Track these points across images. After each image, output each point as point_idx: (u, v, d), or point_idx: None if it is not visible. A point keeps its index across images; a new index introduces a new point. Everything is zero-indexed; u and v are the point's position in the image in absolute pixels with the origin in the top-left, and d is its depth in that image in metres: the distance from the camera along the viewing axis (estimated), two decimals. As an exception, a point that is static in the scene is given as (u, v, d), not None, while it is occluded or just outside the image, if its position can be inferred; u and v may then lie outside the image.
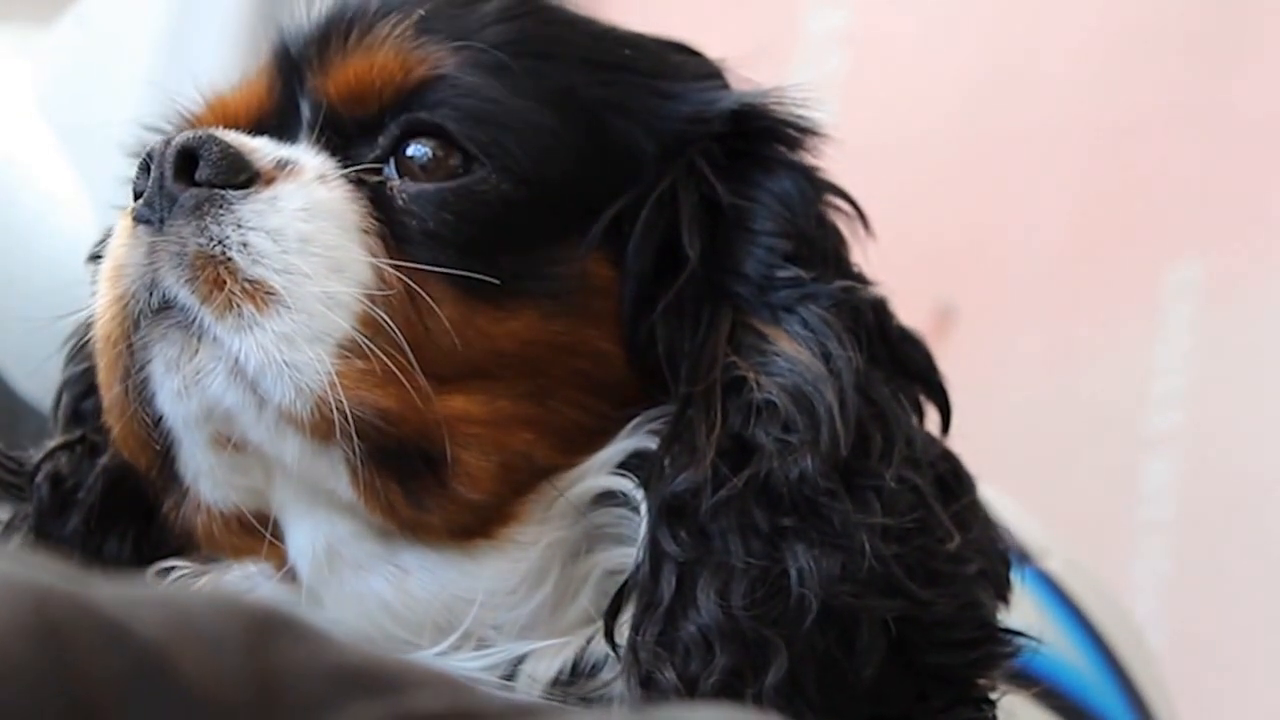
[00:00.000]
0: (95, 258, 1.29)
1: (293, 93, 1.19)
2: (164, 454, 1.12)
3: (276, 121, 1.18)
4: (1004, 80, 2.87)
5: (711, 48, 1.26)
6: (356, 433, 1.05)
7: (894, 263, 1.21)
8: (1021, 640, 1.13)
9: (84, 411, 1.28)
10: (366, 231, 1.10)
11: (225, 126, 1.17)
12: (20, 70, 2.33)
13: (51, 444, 1.26)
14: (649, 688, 1.04)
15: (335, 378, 1.05)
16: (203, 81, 1.25)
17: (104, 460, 1.24)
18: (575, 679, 1.10)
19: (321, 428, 1.06)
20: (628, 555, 1.11)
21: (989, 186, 2.87)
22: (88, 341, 1.26)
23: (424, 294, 1.08)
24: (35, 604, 0.56)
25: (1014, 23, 2.92)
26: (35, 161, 2.19)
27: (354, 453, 1.06)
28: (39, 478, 1.25)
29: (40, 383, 1.93)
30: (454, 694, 0.64)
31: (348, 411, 1.04)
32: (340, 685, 0.62)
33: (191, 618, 0.61)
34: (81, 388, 1.28)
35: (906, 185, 2.61)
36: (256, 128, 1.17)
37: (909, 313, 1.21)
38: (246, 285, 1.06)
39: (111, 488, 1.24)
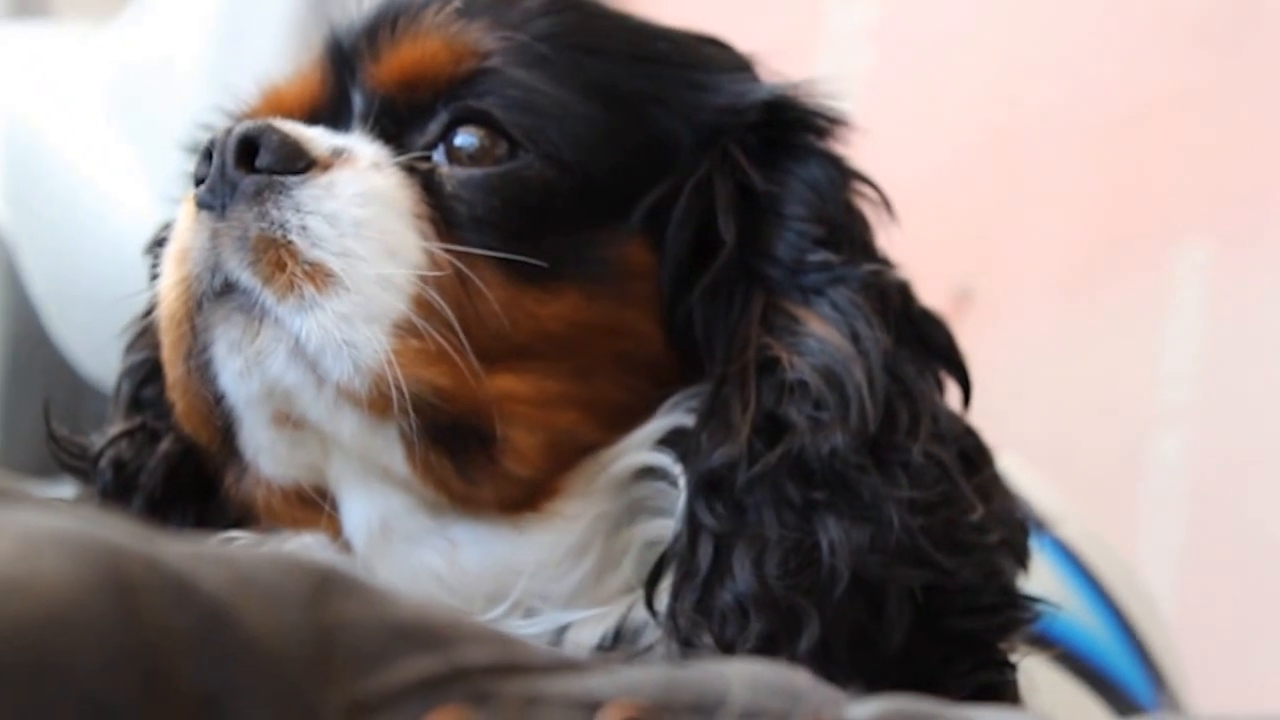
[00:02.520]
0: (153, 248, 1.30)
1: (345, 84, 1.19)
2: (225, 431, 1.12)
3: (329, 111, 1.18)
4: (1019, 73, 2.87)
5: (739, 42, 1.26)
6: (413, 409, 1.06)
7: (914, 247, 1.21)
8: (1040, 606, 1.13)
9: (143, 399, 1.28)
10: (418, 216, 1.11)
11: (280, 110, 1.18)
12: (83, 64, 2.33)
13: (113, 431, 1.26)
14: (688, 651, 1.05)
15: (392, 356, 1.05)
16: (257, 74, 1.26)
17: (164, 446, 1.24)
18: (617, 644, 1.10)
19: (379, 404, 1.06)
20: (666, 527, 1.12)
21: (1005, 174, 2.86)
22: (145, 331, 1.28)
23: (474, 276, 1.09)
24: (109, 561, 0.56)
25: (1029, 18, 2.92)
26: (98, 152, 2.20)
27: (410, 429, 1.06)
28: (102, 463, 1.25)
29: (102, 363, 1.94)
30: (502, 648, 0.65)
31: (404, 388, 1.05)
32: (394, 639, 0.62)
33: (253, 575, 0.61)
34: (140, 376, 1.28)
35: (926, 173, 2.61)
36: (310, 117, 1.17)
37: (929, 294, 1.21)
38: (306, 267, 1.06)
39: (171, 472, 1.24)
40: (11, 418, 2.18)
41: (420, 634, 0.63)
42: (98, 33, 2.41)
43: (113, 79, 2.27)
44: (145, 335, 1.28)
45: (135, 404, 1.28)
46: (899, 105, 2.78)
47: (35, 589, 0.54)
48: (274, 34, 2.03)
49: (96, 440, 1.27)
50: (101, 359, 1.96)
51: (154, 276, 1.28)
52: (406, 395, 1.05)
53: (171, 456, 1.24)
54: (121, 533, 0.60)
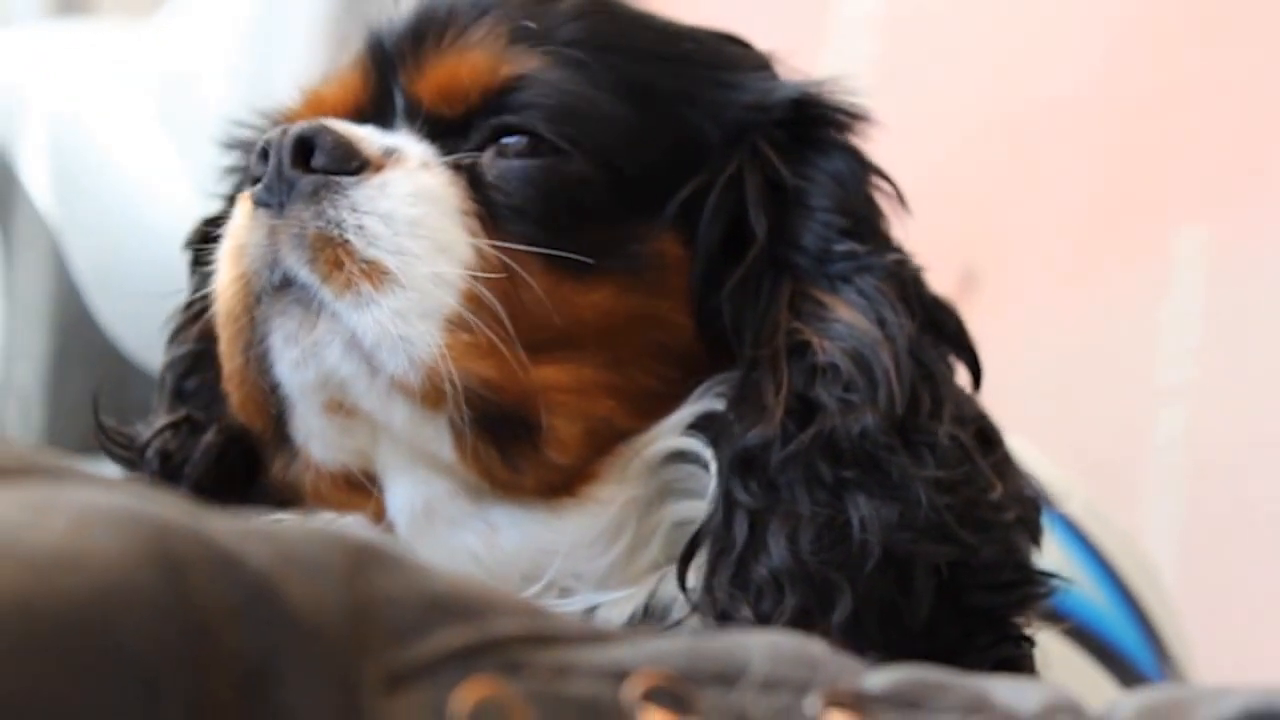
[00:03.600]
0: (191, 244, 1.30)
1: (386, 86, 1.19)
2: (277, 418, 1.13)
3: (372, 112, 1.19)
4: (1023, 63, 2.86)
5: (749, 33, 1.27)
6: (464, 400, 1.06)
7: (922, 231, 1.22)
8: (1054, 581, 1.13)
9: (186, 391, 1.29)
10: (465, 213, 1.11)
11: (325, 110, 1.19)
12: (125, 61, 2.33)
13: (159, 423, 1.27)
14: (724, 624, 1.05)
15: (444, 350, 1.06)
16: (290, 73, 1.26)
17: (208, 438, 1.25)
18: (647, 621, 1.11)
19: (431, 396, 1.07)
20: (695, 508, 1.13)
21: (1009, 160, 2.86)
22: (187, 325, 1.28)
23: (520, 270, 1.09)
24: (158, 537, 0.57)
25: (1033, 10, 2.91)
26: (139, 146, 2.20)
27: (460, 419, 1.07)
28: (149, 453, 1.26)
29: (145, 346, 1.95)
30: (533, 619, 0.65)
31: (456, 381, 1.05)
32: (430, 611, 0.62)
33: (295, 550, 0.61)
34: (183, 369, 1.29)
35: (932, 161, 2.60)
36: (353, 117, 1.18)
37: (937, 277, 1.22)
38: (363, 265, 1.07)
39: (215, 462, 1.25)
40: (58, 398, 2.18)
41: (455, 606, 0.63)
42: (138, 30, 2.41)
43: (152, 76, 2.27)
44: (187, 329, 1.29)
45: (179, 396, 1.29)
46: (905, 94, 2.77)
47: (88, 564, 0.54)
48: (307, 33, 2.03)
49: (143, 431, 1.27)
50: (145, 342, 1.97)
51: (194, 271, 1.29)
52: (459, 387, 1.05)
53: (215, 447, 1.25)
54: (170, 509, 0.60)
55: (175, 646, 0.54)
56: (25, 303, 2.24)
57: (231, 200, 1.30)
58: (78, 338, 2.17)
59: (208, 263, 1.26)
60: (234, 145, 1.33)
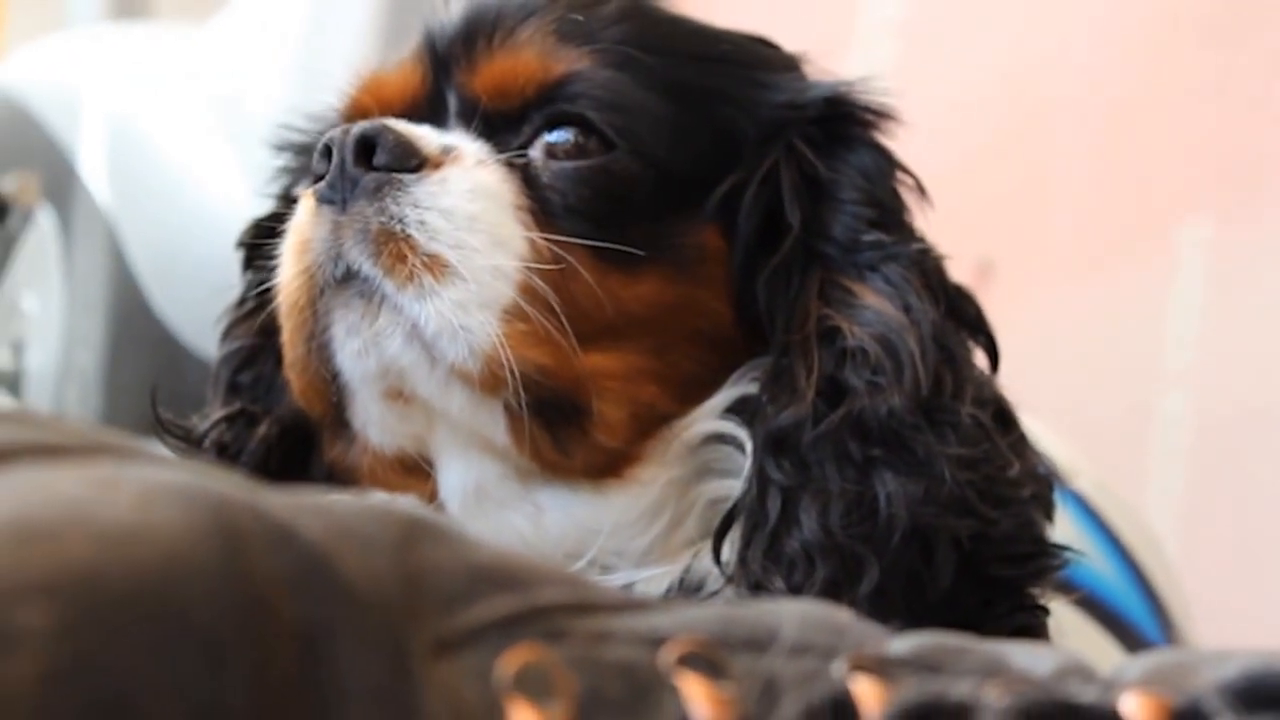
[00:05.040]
0: (243, 243, 1.30)
1: (440, 83, 1.19)
2: (336, 405, 1.13)
3: (426, 108, 1.19)
4: (1037, 65, 2.86)
5: (779, 36, 1.27)
6: (522, 387, 1.06)
7: (941, 223, 1.21)
8: (1066, 554, 1.13)
9: (240, 384, 1.29)
10: (519, 208, 1.11)
11: (380, 108, 1.18)
12: (181, 62, 2.34)
13: (215, 416, 1.27)
14: (758, 595, 1.05)
15: (503, 339, 1.05)
16: (340, 74, 1.26)
17: (261, 430, 1.25)
18: (683, 594, 1.11)
19: (490, 382, 1.06)
20: (727, 486, 1.12)
21: (1023, 156, 2.86)
22: (239, 321, 1.29)
23: (572, 262, 1.09)
24: (218, 511, 0.57)
25: (1045, 15, 2.91)
26: (195, 142, 2.20)
27: (517, 405, 1.07)
28: (206, 444, 1.26)
29: (200, 332, 1.96)
30: (574, 588, 0.65)
31: (514, 368, 1.05)
32: (476, 581, 0.62)
33: (348, 523, 0.61)
34: (236, 363, 1.29)
35: (950, 156, 2.60)
36: (408, 113, 1.18)
37: (955, 266, 1.22)
38: (425, 259, 1.06)
39: (269, 452, 1.25)
40: (116, 382, 2.19)
41: (499, 576, 0.63)
42: (194, 33, 2.41)
43: (208, 76, 2.28)
44: (240, 325, 1.29)
45: (233, 389, 1.29)
46: (924, 94, 2.77)
47: (152, 537, 0.54)
48: (356, 36, 2.03)
49: (199, 423, 1.27)
50: (198, 329, 1.97)
51: (245, 269, 1.29)
52: (517, 375, 1.05)
53: (269, 438, 1.25)
54: (229, 485, 0.60)
55: (236, 615, 0.54)
56: (85, 292, 2.25)
57: (283, 199, 1.30)
58: (134, 325, 2.18)
59: (260, 261, 1.27)
60: (284, 147, 1.33)
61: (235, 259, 1.33)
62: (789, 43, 1.26)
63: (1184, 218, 2.66)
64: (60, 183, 2.30)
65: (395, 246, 1.06)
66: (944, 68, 2.91)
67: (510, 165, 1.13)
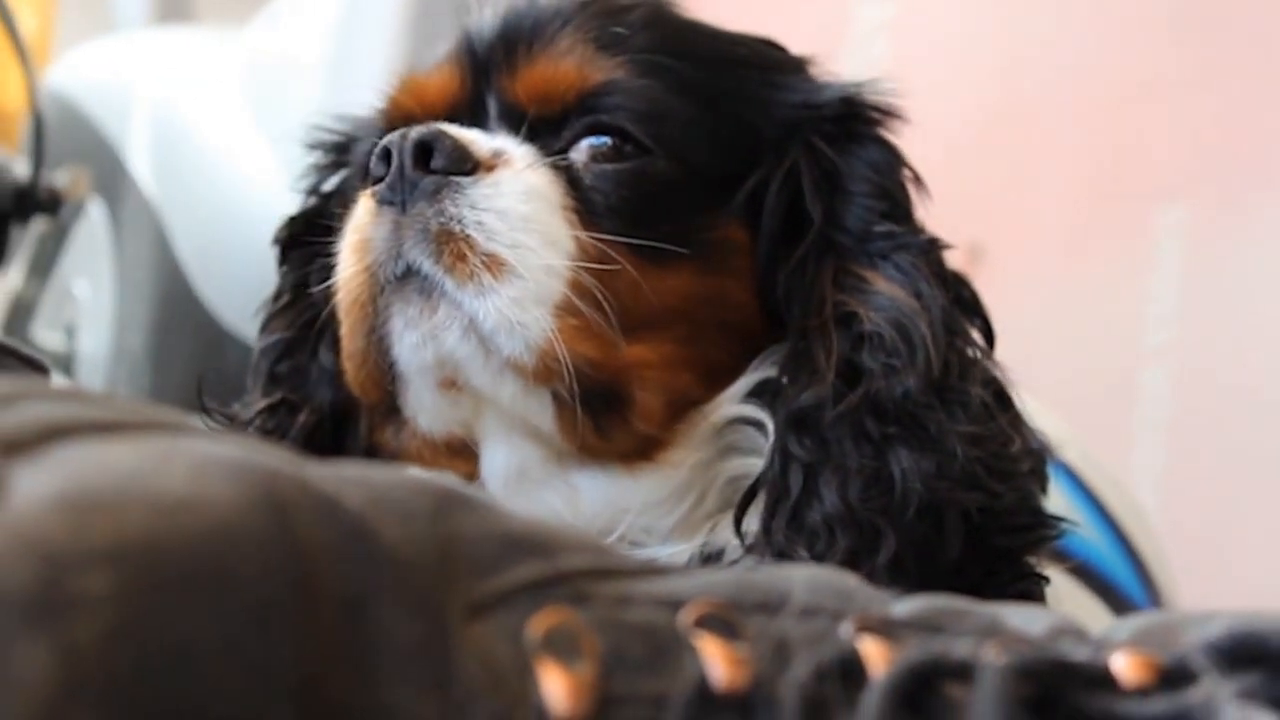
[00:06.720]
0: (280, 241, 1.30)
1: (480, 87, 1.18)
2: (389, 393, 1.13)
3: (467, 111, 1.18)
4: (1020, 60, 2.86)
5: (775, 34, 1.26)
6: (573, 378, 1.06)
7: (934, 210, 1.21)
8: (1061, 524, 1.13)
9: (279, 375, 1.29)
10: (565, 209, 1.11)
11: (422, 110, 1.18)
12: (223, 62, 2.34)
13: (257, 405, 1.27)
14: (781, 563, 1.05)
15: (555, 333, 1.05)
16: (371, 75, 1.25)
17: (302, 418, 1.25)
18: (702, 563, 1.11)
19: (543, 374, 1.06)
20: (746, 464, 1.13)
21: (1010, 148, 2.86)
22: (277, 315, 1.29)
23: (616, 259, 1.09)
24: (265, 483, 0.57)
25: (1029, 13, 2.91)
26: (236, 138, 2.20)
27: (566, 394, 1.07)
28: (250, 432, 1.26)
29: (241, 317, 1.96)
30: (598, 555, 0.65)
31: (566, 361, 1.05)
32: (506, 548, 0.62)
33: (387, 493, 0.61)
34: (275, 354, 1.29)
35: (941, 147, 2.60)
36: (449, 115, 1.17)
37: (948, 252, 1.22)
38: (484, 258, 1.06)
39: (310, 438, 1.25)
40: (163, 363, 2.19)
41: (528, 543, 0.63)
42: (235, 34, 2.41)
43: (248, 75, 2.28)
44: (278, 318, 1.29)
45: (273, 379, 1.29)
46: (915, 89, 2.77)
47: (203, 507, 0.54)
48: (388, 40, 2.03)
49: (242, 412, 1.28)
50: (240, 313, 1.97)
51: (282, 264, 1.29)
52: (570, 368, 1.05)
53: (309, 426, 1.25)
54: (276, 458, 0.60)
55: (284, 580, 0.54)
56: (133, 278, 2.25)
57: (318, 195, 1.30)
58: (179, 309, 2.18)
59: (295, 256, 1.27)
60: (317, 145, 1.33)
61: (272, 251, 1.33)
62: (785, 38, 1.26)
63: (1162, 202, 2.66)
64: (110, 177, 2.31)
65: (455, 246, 1.06)
66: (934, 63, 2.91)
67: (555, 168, 1.12)
